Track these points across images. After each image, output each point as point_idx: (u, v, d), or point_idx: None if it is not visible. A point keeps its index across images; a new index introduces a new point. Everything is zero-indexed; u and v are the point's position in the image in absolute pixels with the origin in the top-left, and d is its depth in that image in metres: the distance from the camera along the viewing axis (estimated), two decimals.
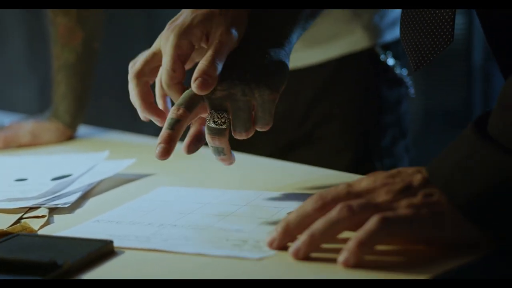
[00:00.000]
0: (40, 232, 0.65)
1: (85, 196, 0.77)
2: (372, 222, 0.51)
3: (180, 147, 0.69)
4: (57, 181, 0.80)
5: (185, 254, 0.57)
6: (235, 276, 0.52)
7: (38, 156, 1.01)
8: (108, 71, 1.47)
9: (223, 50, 0.66)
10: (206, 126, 0.66)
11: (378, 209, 0.53)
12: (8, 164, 0.96)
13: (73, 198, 0.74)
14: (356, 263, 0.51)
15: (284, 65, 0.67)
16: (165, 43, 0.67)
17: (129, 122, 1.75)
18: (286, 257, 0.54)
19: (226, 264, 0.54)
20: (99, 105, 1.54)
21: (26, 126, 1.12)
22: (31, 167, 0.91)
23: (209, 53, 0.66)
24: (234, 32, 0.67)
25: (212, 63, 0.65)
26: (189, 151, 0.70)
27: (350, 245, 0.51)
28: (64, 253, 0.56)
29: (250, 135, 0.67)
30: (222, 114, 0.66)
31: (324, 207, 0.55)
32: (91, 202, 0.75)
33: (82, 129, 1.20)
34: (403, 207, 0.53)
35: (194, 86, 0.65)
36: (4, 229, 0.63)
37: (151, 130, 1.69)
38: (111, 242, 0.59)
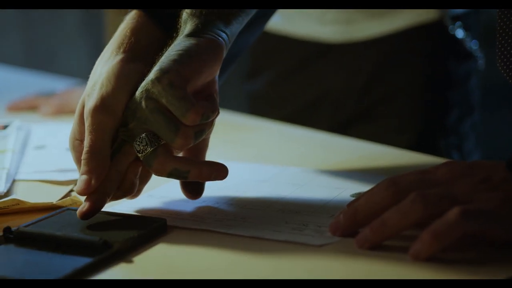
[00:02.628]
0: None
1: None
2: (451, 214, 0.47)
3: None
4: None
5: (240, 236, 0.53)
6: (293, 263, 0.49)
7: None
8: None
9: (101, 133, 0.56)
10: None
11: (456, 201, 0.48)
12: (60, 131, 0.93)
13: None
14: (428, 257, 0.47)
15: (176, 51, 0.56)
16: (85, 116, 0.58)
17: None
18: (351, 245, 0.50)
19: (284, 249, 0.51)
20: None
21: (78, 92, 1.10)
22: None
23: (85, 143, 0.56)
24: (109, 110, 0.56)
25: (88, 153, 0.55)
26: (197, 196, 0.61)
27: (424, 236, 0.47)
28: (114, 232, 0.53)
29: (190, 138, 0.55)
30: (139, 138, 0.55)
31: (396, 195, 0.50)
32: None
33: None
34: (483, 201, 0.48)
35: (75, 188, 0.56)
36: (54, 203, 0.61)
37: None
38: (164, 221, 0.56)
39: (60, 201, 0.61)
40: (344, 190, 0.63)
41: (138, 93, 0.56)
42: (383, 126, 1.00)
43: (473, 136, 1.04)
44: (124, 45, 0.60)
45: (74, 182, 0.68)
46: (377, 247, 0.49)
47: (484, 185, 0.50)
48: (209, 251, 0.52)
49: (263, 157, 0.78)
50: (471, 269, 0.46)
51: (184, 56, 0.55)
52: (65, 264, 0.48)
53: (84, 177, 0.55)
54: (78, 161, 0.58)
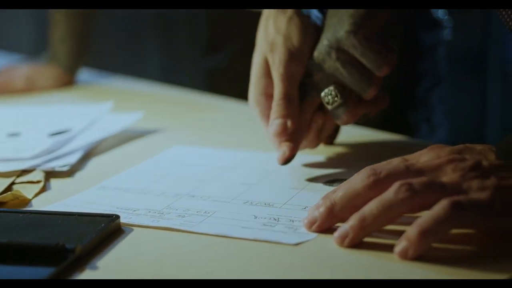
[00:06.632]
0: (35, 201, 0.56)
1: (87, 156, 0.68)
2: (440, 207, 0.42)
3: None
4: (55, 137, 0.70)
5: (205, 235, 0.48)
6: (266, 268, 0.43)
7: (33, 106, 0.91)
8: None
9: (292, 81, 0.59)
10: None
11: (444, 190, 0.43)
12: (1, 114, 0.86)
13: (73, 159, 0.64)
14: (416, 256, 0.42)
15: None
16: (274, 67, 0.60)
17: (135, 66, 1.65)
18: (329, 243, 0.45)
19: (255, 248, 0.45)
20: (102, 47, 1.43)
21: (21, 70, 1.02)
22: (25, 119, 0.81)
23: (277, 91, 0.59)
24: (297, 60, 0.59)
25: (283, 99, 0.58)
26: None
27: (411, 233, 0.42)
28: (64, 234, 0.46)
29: (379, 86, 0.58)
30: (328, 90, 0.58)
31: (377, 184, 0.45)
32: (93, 164, 0.66)
33: (83, 74, 1.10)
34: (475, 190, 0.43)
35: (270, 131, 0.58)
36: None
37: (160, 75, 1.60)
38: (117, 217, 0.49)
39: (0, 196, 0.54)
40: (316, 178, 0.58)
41: (324, 45, 0.57)
42: None
43: (441, 108, 1.00)
44: None
45: (16, 173, 0.61)
46: (358, 244, 0.44)
47: (475, 172, 0.45)
48: (169, 255, 0.45)
49: (225, 141, 0.72)
50: (471, 269, 0.41)
51: (372, 11, 0.57)
52: (25, 276, 0.41)
53: (280, 120, 0.57)
54: (264, 115, 0.60)
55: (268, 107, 0.59)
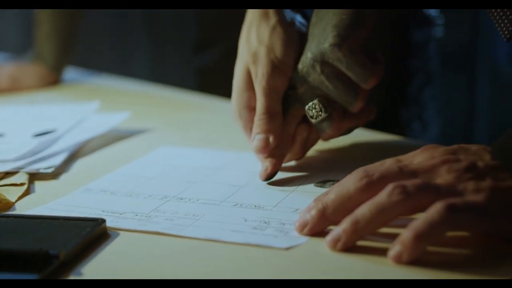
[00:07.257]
0: (18, 205, 0.54)
1: (72, 157, 0.66)
2: (434, 210, 0.41)
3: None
4: (39, 138, 0.68)
5: (194, 239, 0.46)
6: (256, 272, 0.42)
7: (18, 106, 0.89)
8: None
9: (275, 95, 0.57)
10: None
11: (439, 192, 0.42)
12: None
13: (57, 160, 0.63)
14: (410, 260, 0.41)
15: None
16: (257, 80, 0.58)
17: (123, 64, 1.63)
18: (321, 247, 0.44)
19: (245, 252, 0.44)
20: (89, 45, 1.42)
21: (5, 69, 1.01)
22: (9, 120, 0.79)
23: (260, 105, 0.57)
24: (280, 73, 0.57)
25: (265, 113, 0.56)
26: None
27: (405, 237, 0.41)
28: (48, 239, 0.45)
29: (366, 99, 0.56)
30: (312, 104, 0.56)
31: (369, 187, 0.44)
32: (79, 166, 0.64)
33: (68, 73, 1.09)
34: (471, 192, 0.42)
35: (252, 146, 0.56)
36: None
37: (148, 74, 1.58)
38: (103, 221, 0.48)
39: None
40: (307, 179, 0.57)
41: (308, 57, 0.56)
42: None
43: (433, 105, 0.99)
44: (271, 10, 0.59)
45: None
46: (351, 248, 0.43)
47: (470, 173, 0.44)
48: (156, 259, 0.44)
49: (213, 141, 0.71)
50: (467, 272, 0.40)
51: (358, 19, 0.55)
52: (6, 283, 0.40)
53: (262, 135, 0.56)
54: (247, 128, 0.58)
55: (251, 120, 0.58)
